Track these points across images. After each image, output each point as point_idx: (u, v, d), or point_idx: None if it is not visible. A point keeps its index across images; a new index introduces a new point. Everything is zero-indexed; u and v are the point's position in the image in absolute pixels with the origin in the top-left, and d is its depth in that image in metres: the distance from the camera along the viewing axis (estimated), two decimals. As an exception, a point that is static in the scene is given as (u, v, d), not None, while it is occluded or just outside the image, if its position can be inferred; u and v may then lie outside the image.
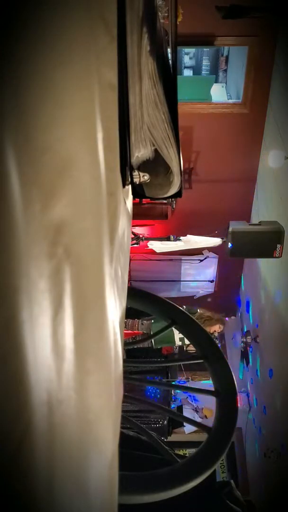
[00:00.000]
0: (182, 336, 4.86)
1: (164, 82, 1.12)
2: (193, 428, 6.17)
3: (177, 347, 5.47)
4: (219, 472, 6.29)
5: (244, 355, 6.87)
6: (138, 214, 6.22)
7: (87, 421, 0.62)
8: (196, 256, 6.80)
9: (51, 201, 0.49)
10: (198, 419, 5.98)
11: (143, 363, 4.61)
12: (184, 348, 5.18)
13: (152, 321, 4.93)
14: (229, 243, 4.02)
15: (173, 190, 1.36)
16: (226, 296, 7.63)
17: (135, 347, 5.04)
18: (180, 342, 4.94)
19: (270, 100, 5.41)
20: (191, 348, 5.06)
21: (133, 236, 5.59)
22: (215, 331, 4.82)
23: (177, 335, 4.86)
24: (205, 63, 7.57)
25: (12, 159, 0.37)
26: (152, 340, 4.79)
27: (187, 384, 6.49)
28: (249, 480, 6.29)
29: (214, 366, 1.59)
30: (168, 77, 1.16)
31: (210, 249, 6.57)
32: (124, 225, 1.09)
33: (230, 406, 1.47)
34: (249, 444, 6.52)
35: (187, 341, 4.98)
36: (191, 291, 7.60)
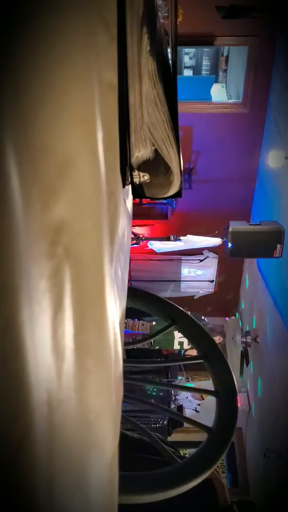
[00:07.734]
0: (182, 340, 4.86)
1: (164, 82, 1.12)
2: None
3: (177, 350, 5.47)
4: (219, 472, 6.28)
5: (244, 355, 6.86)
6: (138, 214, 6.22)
7: (87, 421, 0.62)
8: (196, 256, 6.80)
9: (51, 201, 0.49)
10: (196, 402, 5.97)
11: (143, 363, 4.60)
12: (182, 353, 5.17)
13: (154, 322, 4.93)
14: (229, 243, 4.03)
15: (173, 190, 1.36)
16: (226, 296, 7.63)
17: (135, 347, 5.04)
18: (179, 346, 4.93)
19: (270, 100, 5.41)
20: (189, 353, 5.05)
21: (133, 236, 5.58)
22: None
23: (177, 339, 4.85)
24: (205, 63, 7.57)
25: (12, 159, 0.37)
26: (152, 340, 4.78)
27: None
28: (249, 480, 6.28)
29: (214, 366, 1.59)
30: (168, 77, 1.16)
31: (210, 249, 6.57)
32: (124, 225, 1.09)
33: (230, 406, 1.47)
34: (249, 444, 6.51)
35: (185, 346, 4.97)
36: (191, 291, 7.60)
